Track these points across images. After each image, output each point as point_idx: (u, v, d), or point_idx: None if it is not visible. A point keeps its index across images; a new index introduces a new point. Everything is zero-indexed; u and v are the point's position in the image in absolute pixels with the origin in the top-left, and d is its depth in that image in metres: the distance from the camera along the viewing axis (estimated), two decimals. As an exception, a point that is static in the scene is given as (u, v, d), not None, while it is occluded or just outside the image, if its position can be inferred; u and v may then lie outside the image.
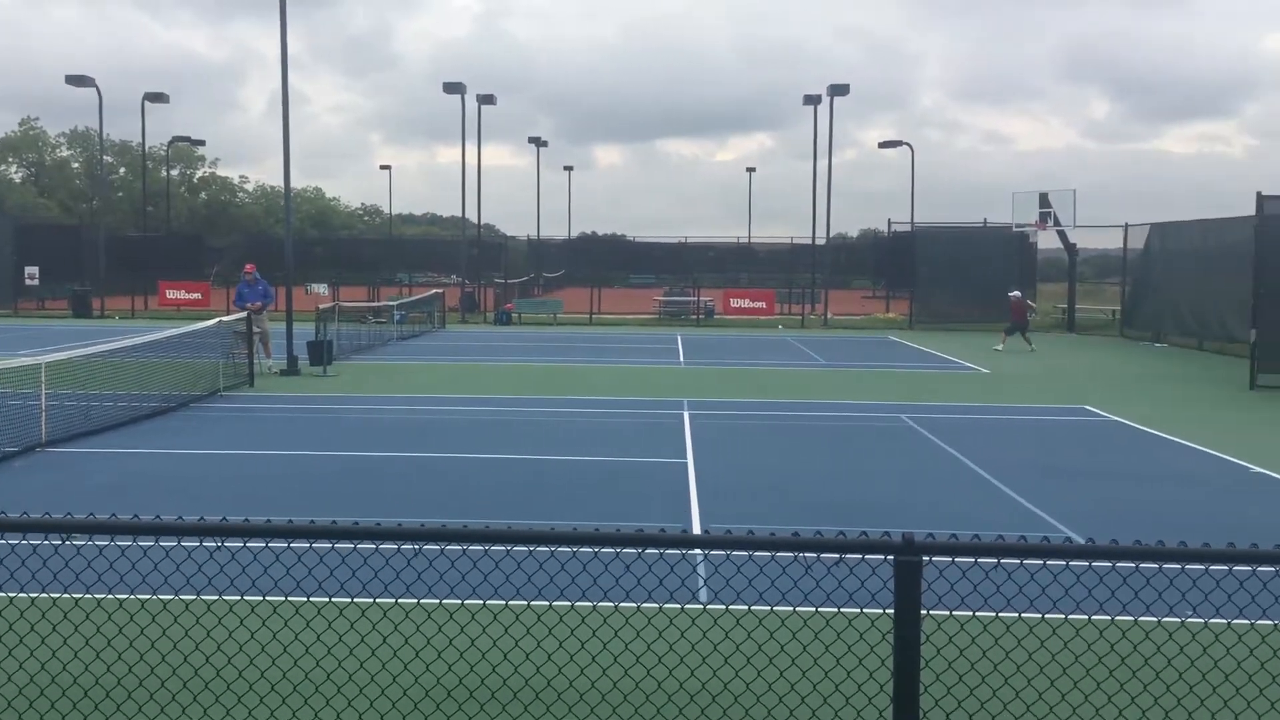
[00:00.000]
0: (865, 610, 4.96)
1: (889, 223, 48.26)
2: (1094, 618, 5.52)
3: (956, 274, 40.99)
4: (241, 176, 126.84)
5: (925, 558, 3.86)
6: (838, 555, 4.06)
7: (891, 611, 3.90)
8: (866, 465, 13.56)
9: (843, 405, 19.33)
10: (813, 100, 46.74)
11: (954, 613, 5.40)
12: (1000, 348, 31.10)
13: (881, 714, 5.01)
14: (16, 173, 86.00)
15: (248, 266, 24.51)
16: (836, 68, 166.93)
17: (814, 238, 48.32)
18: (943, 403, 19.77)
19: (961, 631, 5.31)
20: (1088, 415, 18.39)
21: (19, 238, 46.43)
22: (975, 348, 32.14)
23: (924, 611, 3.90)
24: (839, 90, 45.68)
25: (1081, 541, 7.49)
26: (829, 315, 44.78)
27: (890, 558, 3.87)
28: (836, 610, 5.13)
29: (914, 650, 3.94)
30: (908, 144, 53.28)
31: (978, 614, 5.33)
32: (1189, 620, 5.46)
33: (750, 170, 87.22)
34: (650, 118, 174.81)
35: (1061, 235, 41.24)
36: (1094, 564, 4.10)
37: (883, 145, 54.93)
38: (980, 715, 5.20)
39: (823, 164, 68.50)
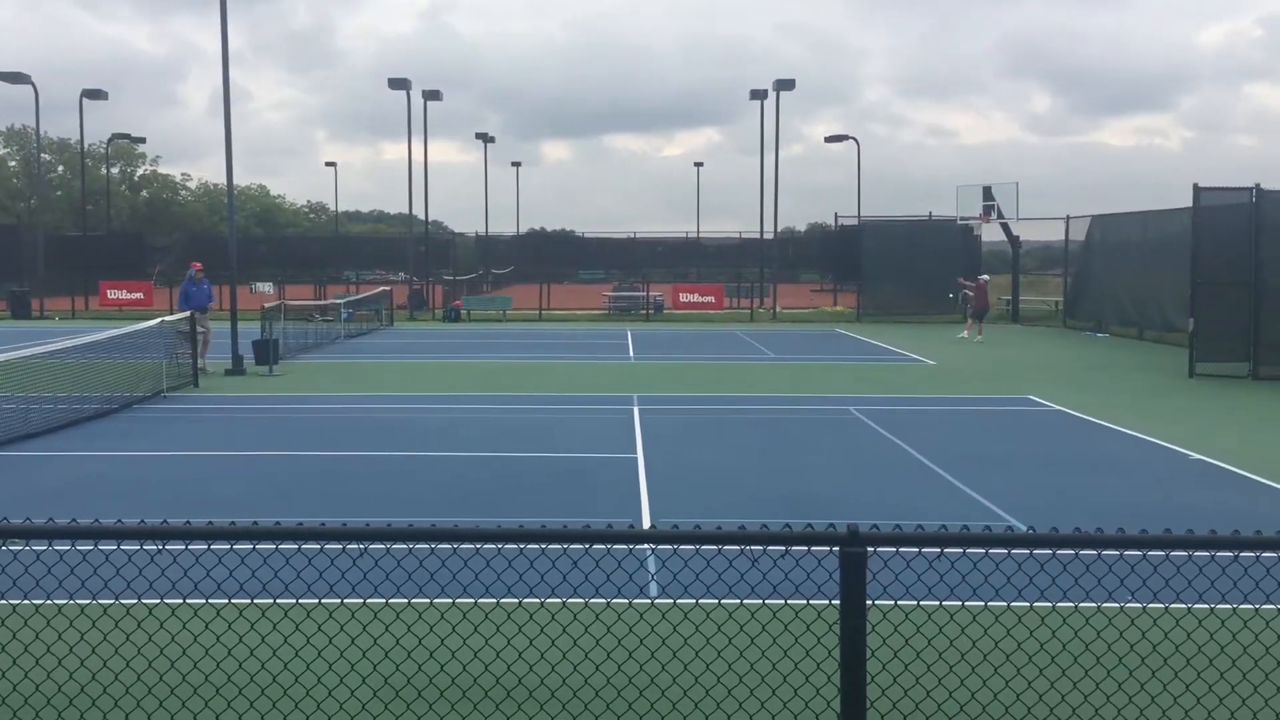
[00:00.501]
0: (812, 602, 4.99)
1: (836, 217, 48.67)
2: (1036, 605, 5.61)
3: (902, 267, 41.41)
4: (184, 174, 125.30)
5: (870, 548, 3.90)
6: (784, 548, 4.09)
7: (838, 603, 3.94)
8: (814, 458, 13.65)
9: (791, 398, 19.45)
10: (759, 95, 46.97)
11: (899, 603, 5.47)
12: (979, 338, 31.71)
13: (829, 704, 5.06)
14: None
15: (194, 265, 24.15)
16: (782, 63, 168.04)
17: (762, 232, 48.63)
18: (889, 394, 19.96)
19: (906, 621, 5.38)
20: (1031, 405, 18.65)
21: (-46, 238, 45.47)
22: (921, 339, 32.48)
23: (869, 602, 3.94)
24: (785, 85, 45.92)
25: (1024, 529, 7.62)
26: (778, 309, 45.02)
27: (835, 549, 3.90)
28: (783, 602, 5.16)
29: (860, 640, 3.98)
30: (854, 138, 53.69)
31: (922, 603, 5.41)
32: (1128, 605, 5.56)
33: (698, 165, 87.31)
34: (597, 113, 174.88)
35: (1005, 228, 41.78)
36: (1035, 552, 4.16)
37: (829, 140, 55.36)
38: (927, 703, 5.27)
39: (770, 159, 68.91)
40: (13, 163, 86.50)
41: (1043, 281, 47.64)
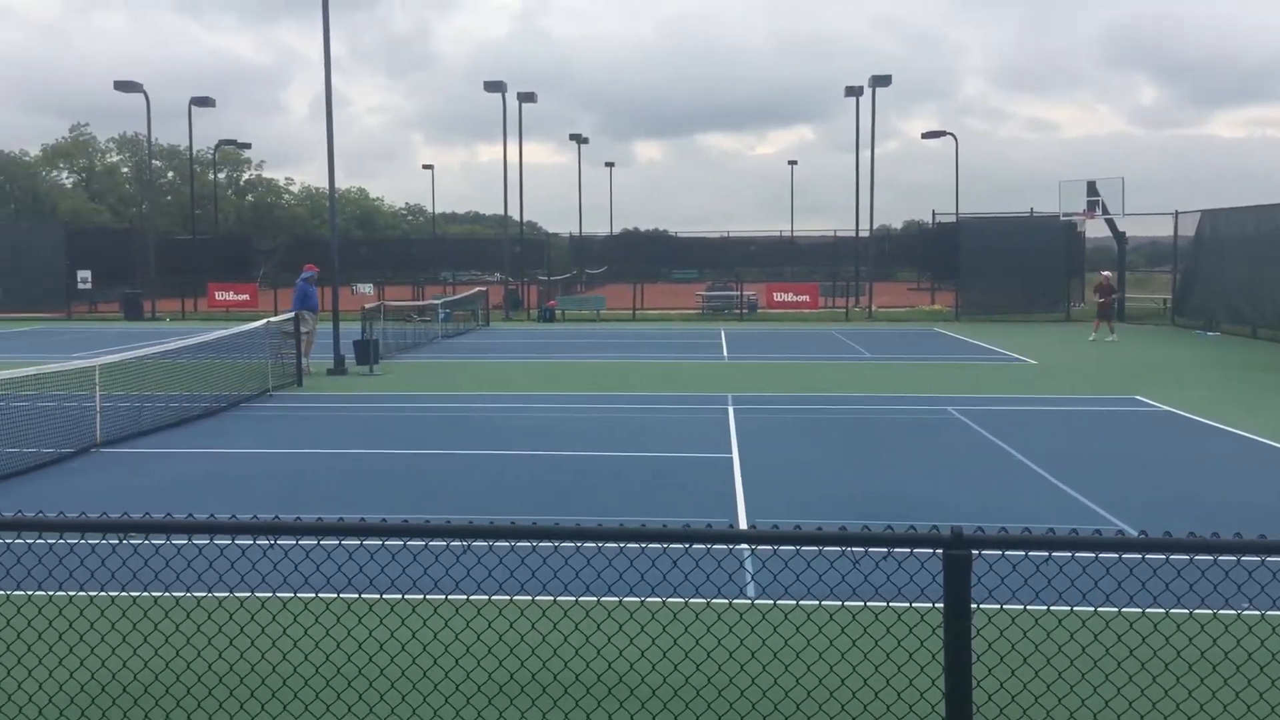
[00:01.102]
0: (914, 605, 4.93)
1: (933, 214, 47.95)
2: (1148, 611, 5.45)
3: (1003, 264, 40.61)
4: (287, 178, 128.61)
5: (975, 551, 3.83)
6: (886, 550, 4.04)
7: (941, 606, 3.87)
8: (912, 458, 13.46)
9: (888, 398, 19.20)
10: (854, 92, 46.46)
11: (1005, 607, 5.36)
12: (1111, 337, 31.13)
13: (934, 708, 4.99)
14: (68, 178, 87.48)
15: (310, 267, 24.71)
16: (876, 58, 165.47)
17: (857, 230, 48.05)
18: (989, 394, 19.58)
19: (1013, 625, 5.27)
20: (1138, 405, 18.15)
21: (71, 243, 47.22)
22: (1022, 338, 31.81)
23: (974, 605, 3.87)
24: (881, 81, 45.35)
25: (1134, 534, 7.41)
26: (873, 308, 44.50)
27: (939, 551, 3.84)
28: (885, 605, 5.10)
29: (965, 645, 3.91)
30: (951, 134, 52.82)
31: (1029, 608, 5.30)
32: (1245, 612, 5.37)
33: (792, 163, 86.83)
34: (689, 112, 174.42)
35: (1110, 224, 40.68)
36: (1147, 556, 4.04)
37: (926, 136, 54.47)
38: (1034, 710, 5.16)
39: (865, 155, 68.09)
40: (125, 169, 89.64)
41: (1150, 279, 46.28)
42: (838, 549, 4.03)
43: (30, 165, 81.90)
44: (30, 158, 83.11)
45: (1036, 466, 12.75)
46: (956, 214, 45.41)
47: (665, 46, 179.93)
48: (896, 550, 3.98)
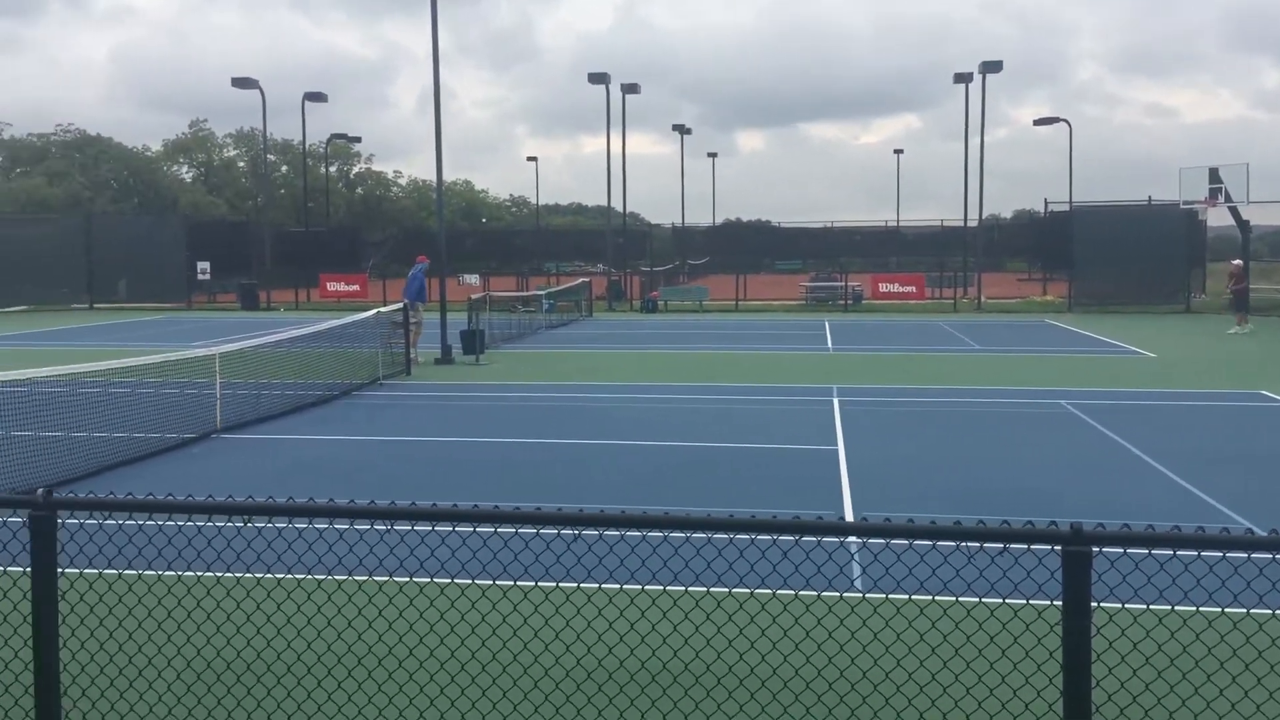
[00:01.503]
0: (1032, 601, 4.82)
1: (1045, 202, 46.82)
2: (1279, 612, 5.25)
3: (1119, 254, 39.44)
4: (395, 171, 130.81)
5: (1095, 548, 3.73)
6: (1002, 545, 3.96)
7: (1059, 603, 3.79)
8: (1024, 452, 13.17)
9: (998, 391, 18.82)
10: (964, 78, 45.53)
11: (1126, 605, 5.21)
12: (1246, 328, 30.21)
13: (1051, 707, 4.87)
14: (187, 173, 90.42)
15: (423, 258, 25.19)
16: (984, 43, 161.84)
17: (965, 219, 47.11)
18: (1105, 388, 19.05)
19: (1135, 624, 5.12)
20: (1264, 400, 17.47)
21: (191, 235, 48.85)
22: (1139, 331, 30.88)
23: (1094, 604, 3.78)
24: (992, 67, 44.37)
25: (1262, 533, 7.14)
26: (982, 299, 43.65)
27: (1057, 548, 3.75)
28: (1001, 601, 5.00)
29: (1084, 643, 3.81)
30: (1065, 120, 51.45)
31: (1152, 607, 5.14)
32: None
33: (898, 152, 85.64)
34: (792, 102, 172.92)
35: (1233, 212, 39.18)
36: (1278, 556, 3.89)
37: (1038, 123, 53.24)
38: (1156, 711, 5.01)
39: (974, 143, 66.71)
40: (242, 163, 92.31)
41: (1276, 269, 44.52)
42: (951, 544, 3.97)
43: (152, 160, 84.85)
44: (152, 153, 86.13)
45: (1155, 462, 12.37)
46: (1070, 202, 44.26)
47: (768, 35, 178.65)
48: (1013, 546, 3.90)
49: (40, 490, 4.05)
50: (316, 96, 52.86)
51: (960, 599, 5.09)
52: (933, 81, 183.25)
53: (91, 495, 4.07)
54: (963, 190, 45.39)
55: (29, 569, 4.00)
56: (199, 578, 5.68)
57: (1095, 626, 3.84)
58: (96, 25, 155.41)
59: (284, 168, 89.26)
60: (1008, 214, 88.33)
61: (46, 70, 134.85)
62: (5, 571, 4.98)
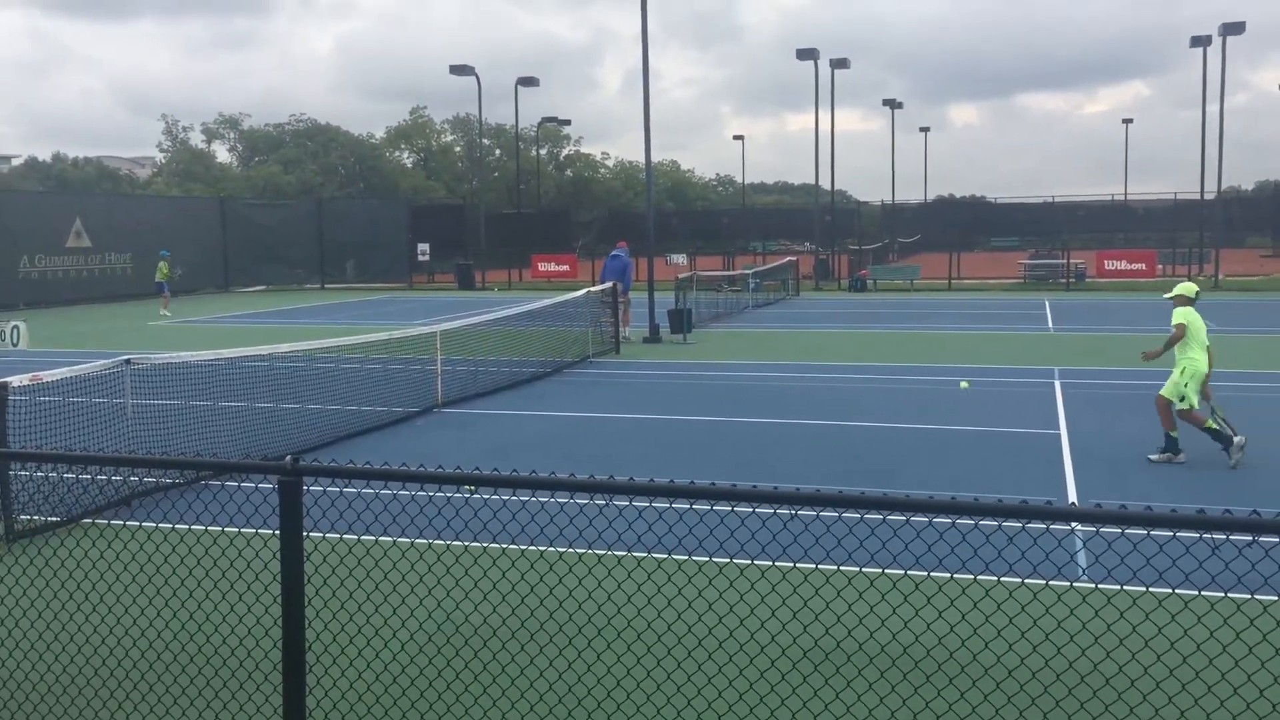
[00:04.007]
0: (1285, 597, 4.51)
1: (1291, 172, 43.29)
2: None
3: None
4: (602, 153, 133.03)
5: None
6: (1250, 537, 3.70)
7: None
8: (1271, 442, 12.29)
9: (1240, 374, 17.62)
10: (1201, 41, 42.71)
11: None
12: None
13: (1304, 712, 4.55)
14: (408, 158, 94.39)
15: (622, 243, 25.54)
16: (1217, 4, 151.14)
17: (1202, 192, 44.24)
18: (1361, 372, 17.58)
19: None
20: None
21: (412, 218, 51.04)
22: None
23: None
24: (1233, 29, 41.47)
25: None
26: (1220, 276, 40.96)
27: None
28: (1249, 595, 4.70)
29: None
30: (1314, 83, 47.49)
31: None
32: None
33: (1127, 122, 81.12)
34: (1008, 72, 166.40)
35: None
36: None
37: (1284, 86, 49.28)
38: None
39: (1212, 110, 62.58)
40: (458, 148, 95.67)
41: None
42: (1194, 534, 3.74)
43: (376, 147, 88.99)
44: (376, 140, 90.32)
45: None
46: (1319, 172, 40.89)
47: (981, 2, 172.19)
48: (1263, 539, 3.64)
49: (289, 457, 4.29)
50: (529, 81, 54.19)
51: (1203, 592, 4.80)
52: (1164, 45, 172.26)
53: (334, 463, 4.30)
54: (1199, 161, 42.63)
55: (278, 531, 4.26)
56: (430, 544, 5.94)
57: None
58: (323, 19, 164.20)
59: (497, 151, 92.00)
60: (1249, 186, 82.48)
61: (279, 64, 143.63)
62: (258, 533, 5.33)
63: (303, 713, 4.29)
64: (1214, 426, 11.13)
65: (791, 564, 5.39)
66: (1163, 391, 11.41)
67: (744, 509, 6.73)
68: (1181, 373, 11.31)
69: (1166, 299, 12.32)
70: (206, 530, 5.53)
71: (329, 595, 5.69)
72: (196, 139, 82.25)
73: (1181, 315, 11.52)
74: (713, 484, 4.29)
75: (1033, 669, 5.22)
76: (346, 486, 7.48)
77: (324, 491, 4.98)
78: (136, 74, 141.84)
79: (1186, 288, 11.96)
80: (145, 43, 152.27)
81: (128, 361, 10.32)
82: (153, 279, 35.05)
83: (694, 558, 5.58)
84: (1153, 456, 11.37)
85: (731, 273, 38.66)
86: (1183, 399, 11.22)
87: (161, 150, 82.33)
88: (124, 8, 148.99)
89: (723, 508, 6.63)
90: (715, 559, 5.63)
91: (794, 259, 43.56)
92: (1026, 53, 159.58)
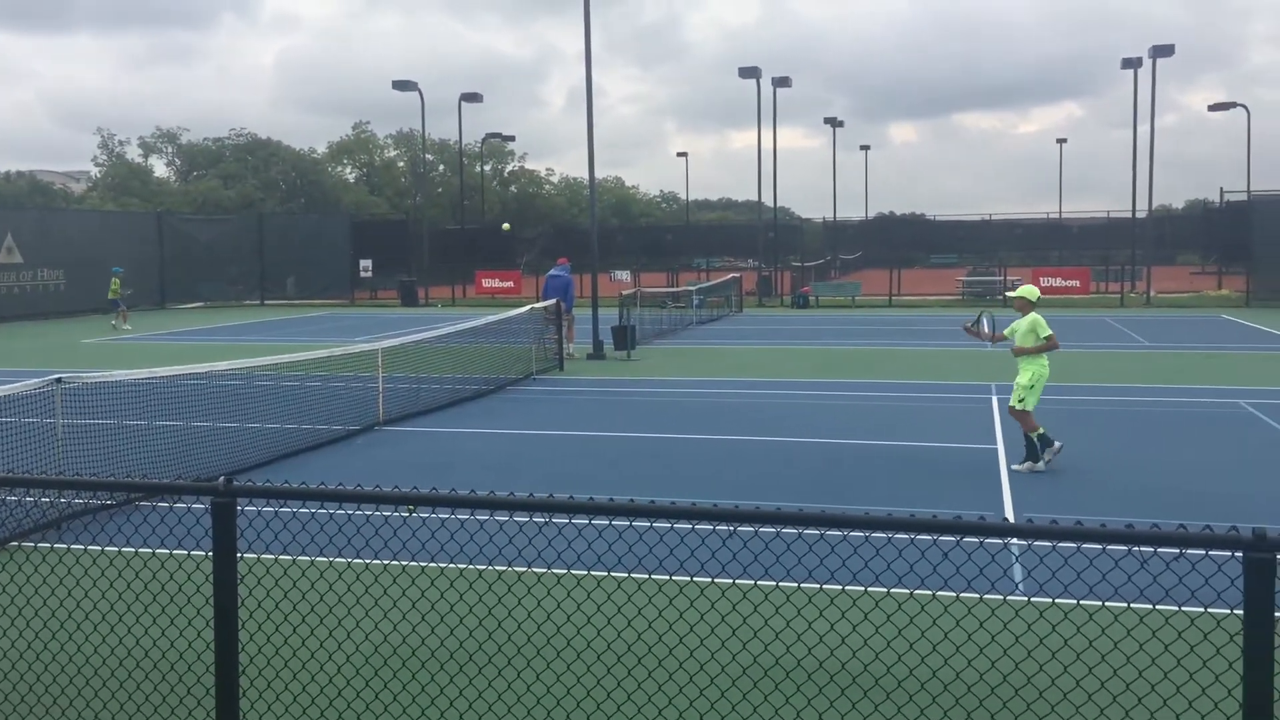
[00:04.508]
0: (1210, 610, 4.60)
1: (1221, 192, 44.47)
2: None
3: (1301, 246, 37.27)
4: (547, 169, 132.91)
5: (1280, 555, 3.53)
6: (1178, 550, 3.78)
7: (1240, 613, 3.60)
8: (1198, 454, 12.57)
9: (1169, 390, 18.01)
10: (1132, 64, 43.70)
11: (1315, 617, 4.92)
12: None
13: (1229, 719, 4.64)
14: (350, 173, 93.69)
15: (560, 260, 25.52)
16: (1148, 27, 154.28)
17: (1134, 210, 45.16)
18: (1287, 387, 18.02)
19: (1324, 638, 4.82)
20: None
21: (354, 234, 50.62)
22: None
23: (1279, 614, 3.58)
24: (1163, 51, 42.48)
25: None
26: (1152, 293, 41.83)
27: (1238, 554, 3.56)
28: (1177, 609, 4.79)
29: (1267, 654, 3.61)
30: (1242, 105, 48.83)
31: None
32: None
33: (1061, 142, 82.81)
34: (946, 91, 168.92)
35: None
36: None
37: (1213, 108, 50.59)
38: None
39: (1143, 130, 63.84)
40: (401, 163, 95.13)
41: None
42: (1122, 548, 3.81)
43: (318, 162, 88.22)
44: (318, 155, 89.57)
45: (1343, 466, 11.64)
46: (1248, 191, 41.98)
47: (920, 22, 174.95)
48: (1190, 551, 3.73)
49: (222, 478, 4.24)
50: (472, 97, 54.05)
51: (1132, 605, 4.89)
52: (1096, 67, 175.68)
53: (268, 483, 4.25)
54: (1130, 180, 43.55)
55: (211, 553, 4.20)
56: (367, 565, 5.89)
57: (1279, 638, 3.64)
58: (264, 33, 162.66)
59: (441, 167, 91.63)
60: (1179, 205, 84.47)
61: (219, 78, 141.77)
62: (190, 555, 5.25)
63: (235, 738, 4.23)
64: (1043, 433, 11.75)
65: (731, 580, 5.40)
66: (1012, 403, 11.92)
67: (683, 526, 6.75)
68: (1029, 377, 11.85)
69: (1012, 297, 12.87)
70: (137, 553, 5.43)
71: (263, 618, 5.61)
72: (134, 153, 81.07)
73: (1039, 322, 11.97)
74: (652, 502, 4.31)
75: (968, 683, 5.28)
76: (282, 507, 7.40)
77: (259, 513, 4.93)
78: (72, 87, 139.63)
79: (1030, 291, 12.53)
80: (81, 55, 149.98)
81: (59, 380, 10.11)
82: (88, 295, 34.43)
83: (633, 576, 5.58)
84: (1017, 467, 11.81)
85: (675, 289, 38.80)
86: (1023, 400, 11.76)
87: (97, 164, 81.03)
88: (59, 20, 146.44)
89: (662, 525, 6.65)
90: (655, 577, 5.63)
91: (737, 275, 43.81)
92: (963, 73, 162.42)
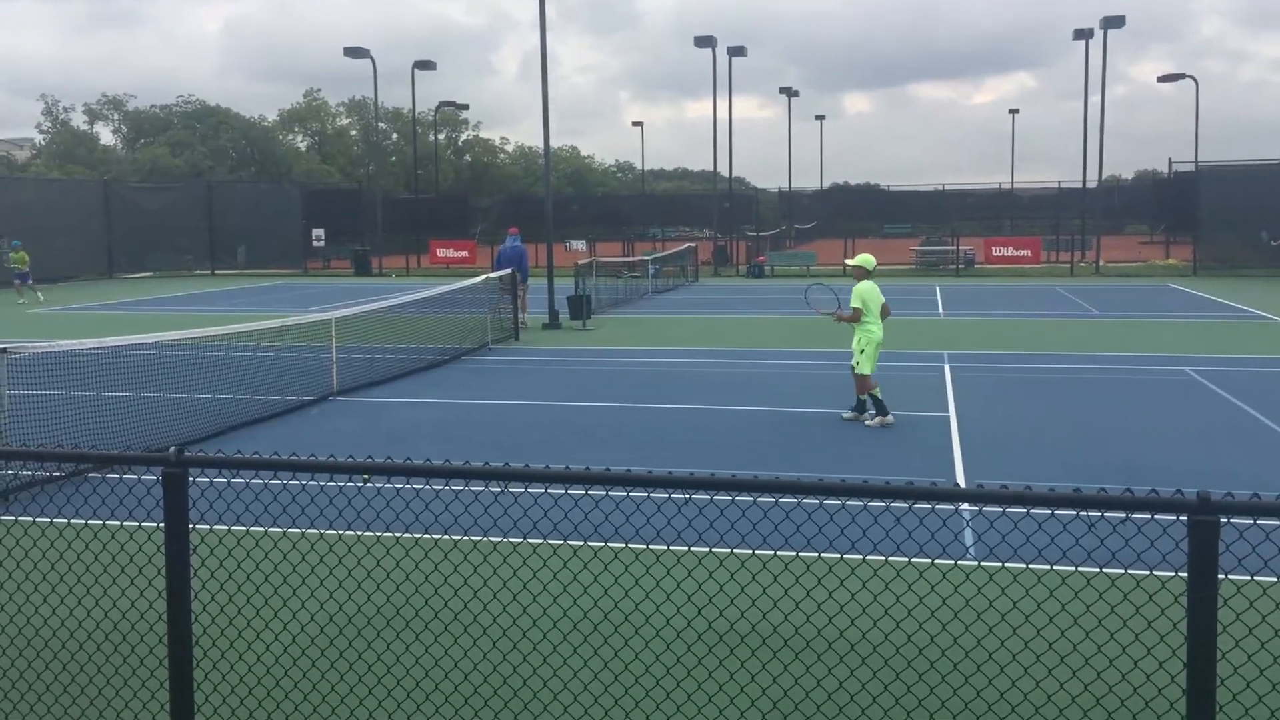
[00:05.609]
0: (1156, 572, 4.69)
1: (1170, 163, 45.07)
2: None
3: (1246, 216, 37.89)
4: (501, 138, 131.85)
5: (1223, 518, 3.61)
6: (1124, 514, 3.85)
7: (1185, 575, 3.67)
8: (1145, 421, 12.79)
9: (1118, 358, 18.28)
10: (1084, 34, 44.03)
11: (1256, 577, 5.04)
12: None
13: (1174, 679, 4.75)
14: (302, 142, 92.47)
15: (512, 230, 25.37)
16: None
17: (1084, 181, 45.66)
18: (1232, 355, 18.37)
19: (1264, 596, 4.95)
20: (1404, 368, 16.65)
21: (306, 203, 50.01)
22: (1270, 296, 29.65)
23: (1221, 575, 3.66)
24: (1114, 23, 42.83)
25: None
26: (1101, 262, 42.36)
27: (1183, 517, 3.64)
28: (1123, 571, 4.88)
29: (1210, 615, 3.69)
30: (1191, 77, 49.39)
31: (1283, 580, 4.96)
32: None
33: (1013, 112, 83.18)
34: (900, 62, 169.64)
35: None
36: None
37: (1162, 80, 51.12)
38: (1285, 687, 4.84)
39: (1094, 101, 64.44)
40: (354, 132, 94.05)
41: None
42: (1070, 512, 3.88)
43: (269, 130, 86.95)
44: (269, 123, 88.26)
45: (1285, 432, 11.90)
46: (1196, 163, 42.57)
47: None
48: (1136, 515, 3.79)
49: (172, 449, 4.19)
50: (426, 65, 53.46)
51: (1080, 568, 4.98)
52: (1048, 38, 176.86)
53: (220, 454, 4.21)
54: (1081, 151, 44.00)
55: (162, 524, 4.15)
56: (321, 534, 5.86)
57: (1222, 599, 3.72)
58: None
59: (394, 135, 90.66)
60: (1128, 175, 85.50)
61: (165, 44, 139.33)
62: (140, 526, 5.19)
63: (190, 708, 4.20)
64: (878, 396, 12.48)
65: (686, 547, 5.43)
66: (854, 366, 12.73)
67: (639, 494, 6.77)
68: (858, 342, 12.72)
69: (850, 265, 13.68)
70: (87, 524, 5.37)
71: (216, 589, 5.57)
72: (79, 120, 79.58)
73: (864, 290, 12.93)
74: (607, 469, 4.32)
75: (919, 646, 5.36)
76: (235, 477, 7.34)
77: (211, 483, 4.88)
78: (12, 53, 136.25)
79: (866, 260, 13.12)
80: (21, 20, 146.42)
81: (3, 350, 9.93)
82: (33, 264, 33.70)
83: (589, 543, 5.60)
84: (846, 415, 12.79)
85: (631, 259, 38.75)
86: (858, 364, 12.58)
87: (41, 131, 79.45)
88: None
89: (618, 493, 6.66)
90: (610, 544, 5.65)
91: (693, 245, 43.83)
92: (916, 44, 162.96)
